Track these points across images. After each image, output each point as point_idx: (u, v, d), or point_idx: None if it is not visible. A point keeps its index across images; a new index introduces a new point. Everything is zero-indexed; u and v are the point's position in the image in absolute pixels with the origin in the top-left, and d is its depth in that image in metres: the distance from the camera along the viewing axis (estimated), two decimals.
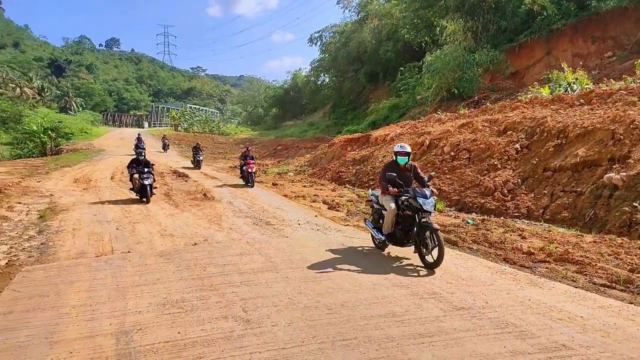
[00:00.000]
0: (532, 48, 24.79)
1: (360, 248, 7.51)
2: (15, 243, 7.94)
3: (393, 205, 6.65)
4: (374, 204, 7.48)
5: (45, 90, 76.14)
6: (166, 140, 33.57)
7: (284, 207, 11.75)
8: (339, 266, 6.30)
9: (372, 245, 7.62)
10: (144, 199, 12.11)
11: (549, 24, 23.80)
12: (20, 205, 11.51)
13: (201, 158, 22.79)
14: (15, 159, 32.46)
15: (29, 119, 40.46)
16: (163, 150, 32.02)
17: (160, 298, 5.09)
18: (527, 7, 24.32)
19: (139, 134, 31.73)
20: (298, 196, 13.55)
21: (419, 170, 7.14)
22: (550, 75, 19.64)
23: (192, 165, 22.87)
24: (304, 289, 5.33)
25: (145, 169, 12.26)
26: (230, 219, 10.14)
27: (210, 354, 3.75)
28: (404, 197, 6.57)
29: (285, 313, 4.61)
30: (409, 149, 6.97)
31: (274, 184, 16.65)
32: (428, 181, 6.89)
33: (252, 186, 15.55)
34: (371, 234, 7.44)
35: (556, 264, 6.64)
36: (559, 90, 16.91)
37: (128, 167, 12.80)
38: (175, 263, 6.55)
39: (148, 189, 12.00)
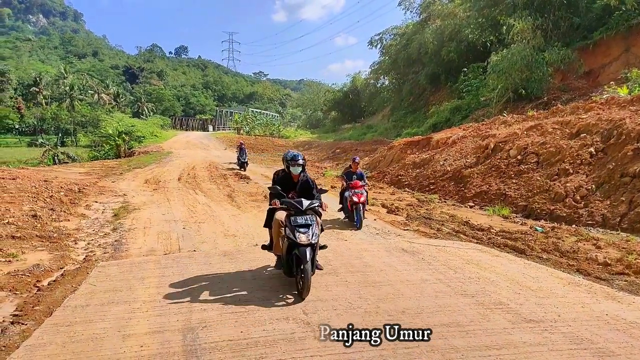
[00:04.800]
0: (608, 45, 23.23)
1: (422, 254, 7.33)
2: (92, 239, 8.50)
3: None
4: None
5: (120, 96, 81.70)
6: (243, 147, 23.50)
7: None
8: (399, 272, 6.20)
9: (434, 252, 7.43)
10: (295, 279, 5.41)
11: (628, 19, 22.20)
12: (97, 204, 12.32)
13: None
14: (92, 160, 34.93)
15: (106, 123, 43.51)
16: (239, 168, 22.67)
17: (224, 297, 5.23)
18: (603, 2, 22.82)
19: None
20: None
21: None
22: (628, 74, 18.34)
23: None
24: (363, 294, 5.28)
25: (304, 202, 5.45)
26: None
27: (272, 354, 3.80)
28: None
29: (345, 317, 4.58)
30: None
31: (332, 187, 16.69)
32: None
33: (360, 227, 9.34)
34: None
35: (636, 277, 6.16)
36: (638, 90, 15.73)
37: (270, 194, 5.91)
38: (237, 263, 6.72)
39: (307, 257, 5.11)
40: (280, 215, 5.64)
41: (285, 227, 5.38)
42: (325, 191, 6.39)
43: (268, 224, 6.09)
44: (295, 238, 5.18)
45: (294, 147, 40.40)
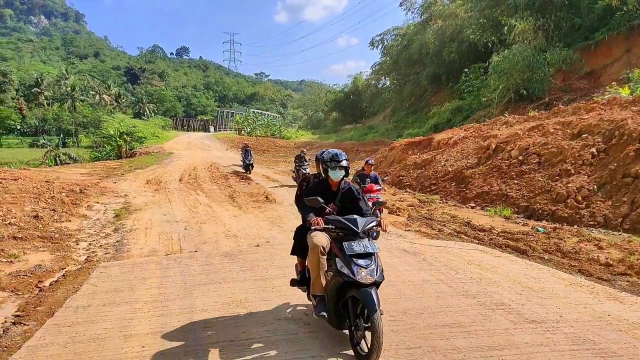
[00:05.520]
0: (609, 46, 23.22)
1: (423, 255, 7.32)
2: (94, 240, 8.52)
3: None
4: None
5: (122, 97, 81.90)
6: (248, 148, 22.39)
7: None
8: (401, 273, 6.19)
9: (436, 252, 7.41)
10: (350, 334, 3.83)
11: (629, 20, 22.18)
12: (98, 204, 12.33)
13: (308, 170, 17.07)
14: (94, 161, 34.98)
15: (107, 124, 43.56)
16: (244, 170, 21.77)
17: (225, 297, 5.23)
18: (605, 2, 22.80)
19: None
20: None
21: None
22: (630, 75, 18.32)
23: (293, 183, 17.45)
24: None
25: (358, 221, 3.92)
26: (291, 221, 10.26)
27: (274, 355, 3.80)
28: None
29: None
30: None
31: None
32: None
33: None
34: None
35: (638, 277, 6.15)
36: None
37: (303, 209, 4.33)
38: (239, 263, 6.72)
39: (376, 302, 3.56)
40: (321, 239, 3.99)
41: (335, 258, 3.82)
42: (384, 203, 5.03)
43: (298, 249, 4.51)
44: (354, 274, 3.59)
45: (295, 148, 40.32)
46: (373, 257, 3.75)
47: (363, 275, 3.59)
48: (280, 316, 4.66)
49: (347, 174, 4.44)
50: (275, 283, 5.75)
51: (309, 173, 16.33)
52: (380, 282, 3.73)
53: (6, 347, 4.05)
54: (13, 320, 4.64)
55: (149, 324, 4.49)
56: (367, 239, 3.87)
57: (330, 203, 4.30)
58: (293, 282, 4.65)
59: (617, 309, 4.85)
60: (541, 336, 4.13)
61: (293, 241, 4.59)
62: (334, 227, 3.92)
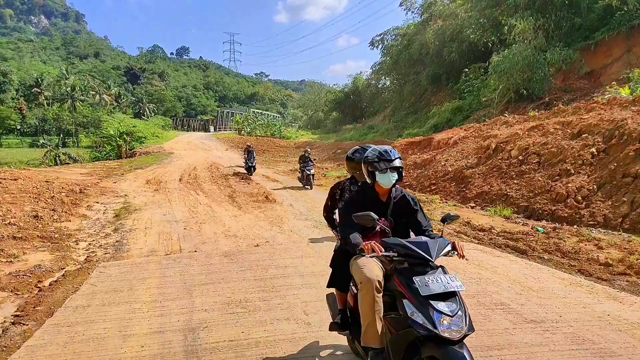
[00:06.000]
0: (609, 46, 23.21)
1: None
2: (94, 240, 8.52)
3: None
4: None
5: (122, 96, 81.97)
6: (252, 149, 21.35)
7: None
8: None
9: None
10: None
11: (630, 20, 22.17)
12: (98, 204, 12.34)
13: (312, 172, 16.34)
14: (94, 161, 35.00)
15: (107, 124, 43.56)
16: (246, 172, 20.85)
17: (225, 297, 5.24)
18: (605, 2, 22.80)
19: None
20: None
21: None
22: (630, 74, 18.32)
23: (299, 184, 16.81)
24: None
25: (430, 245, 2.85)
26: (290, 221, 10.27)
27: (273, 354, 3.80)
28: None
29: None
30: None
31: None
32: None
33: None
34: None
35: (638, 277, 6.13)
36: None
37: (345, 227, 3.21)
38: (238, 263, 6.72)
39: None
40: (375, 270, 2.97)
41: (402, 299, 2.67)
42: (456, 217, 3.45)
43: (338, 281, 3.55)
44: (435, 325, 2.45)
45: (295, 148, 40.22)
46: (457, 297, 2.62)
47: (446, 326, 2.45)
48: (280, 316, 4.66)
49: (400, 178, 3.32)
50: (274, 283, 5.75)
51: (313, 174, 16.24)
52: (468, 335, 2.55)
53: (5, 346, 4.05)
54: (12, 320, 4.64)
55: (148, 324, 4.49)
56: (440, 269, 2.77)
57: (381, 218, 3.16)
58: (332, 327, 3.58)
59: (617, 309, 4.85)
60: (540, 336, 4.13)
61: (330, 269, 3.65)
62: (396, 254, 2.82)
